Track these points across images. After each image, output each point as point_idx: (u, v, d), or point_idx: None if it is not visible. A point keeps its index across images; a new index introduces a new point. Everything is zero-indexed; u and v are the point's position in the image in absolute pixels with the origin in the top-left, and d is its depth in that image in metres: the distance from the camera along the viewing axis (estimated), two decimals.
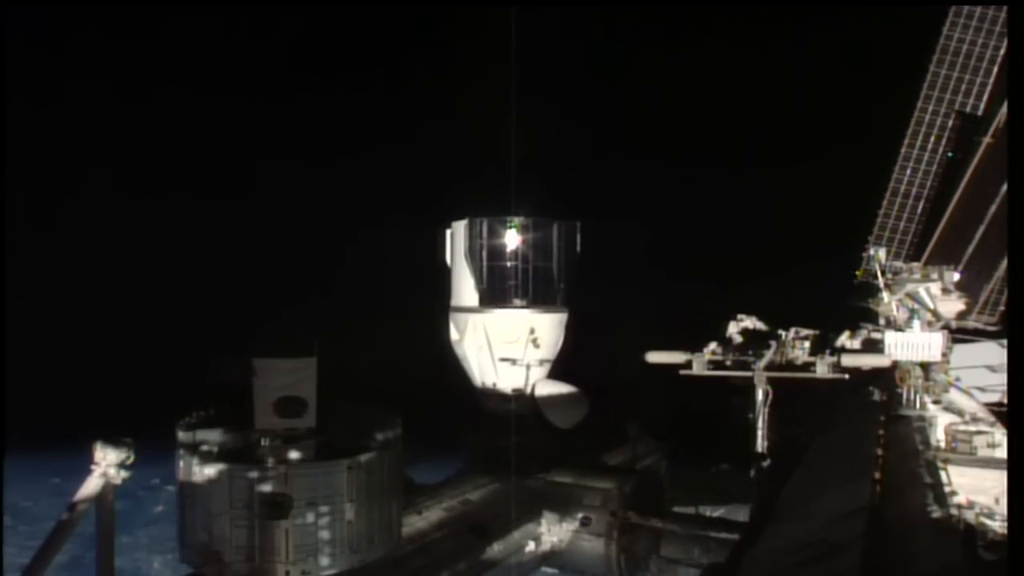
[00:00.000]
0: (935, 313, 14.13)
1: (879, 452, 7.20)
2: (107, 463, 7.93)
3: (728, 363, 12.27)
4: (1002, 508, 5.66)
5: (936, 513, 4.98)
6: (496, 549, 11.19)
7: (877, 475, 6.28)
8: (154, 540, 30.95)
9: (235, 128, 61.97)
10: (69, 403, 37.95)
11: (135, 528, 32.08)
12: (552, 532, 12.27)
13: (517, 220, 13.20)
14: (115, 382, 41.64)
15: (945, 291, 14.57)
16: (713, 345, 12.74)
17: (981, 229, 16.74)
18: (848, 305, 15.94)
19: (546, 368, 13.78)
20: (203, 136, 62.59)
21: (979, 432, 7.46)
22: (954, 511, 5.03)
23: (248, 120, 62.46)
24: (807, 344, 12.54)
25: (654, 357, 12.61)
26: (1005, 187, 15.45)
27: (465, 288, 13.41)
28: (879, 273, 14.45)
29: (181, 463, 8.18)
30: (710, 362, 12.26)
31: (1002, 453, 7.05)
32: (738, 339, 13.25)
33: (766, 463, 11.66)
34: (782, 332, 12.80)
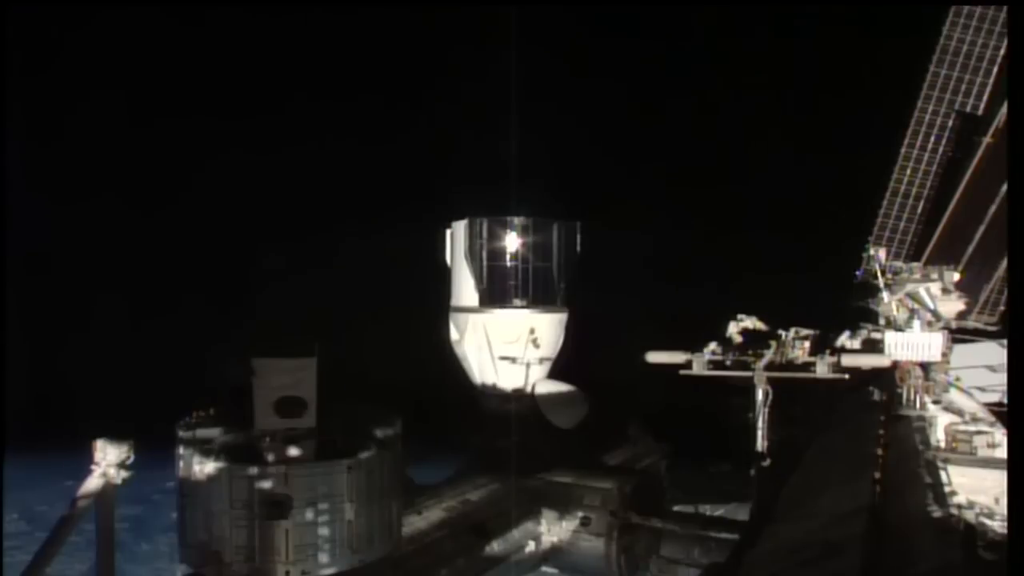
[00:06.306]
0: (935, 313, 14.13)
1: (879, 452, 7.19)
2: (107, 462, 7.96)
3: (728, 363, 12.25)
4: (1002, 508, 5.64)
5: (936, 513, 4.97)
6: (496, 549, 11.20)
7: (877, 475, 6.27)
8: (175, 548, 30.51)
9: (236, 127, 62.02)
10: (81, 406, 37.83)
11: (154, 534, 31.57)
12: (552, 532, 12.27)
13: (517, 220, 13.22)
14: (127, 384, 41.57)
15: (945, 291, 14.56)
16: (713, 345, 12.73)
17: (981, 229, 16.73)
18: (848, 305, 15.93)
19: (546, 368, 13.78)
20: (202, 136, 62.63)
21: (979, 432, 7.44)
22: (954, 511, 5.03)
23: (248, 119, 62.50)
24: (807, 344, 12.53)
25: (654, 357, 12.60)
26: (1005, 187, 15.45)
27: (465, 288, 13.41)
28: (879, 273, 14.44)
29: (181, 462, 8.19)
30: (710, 362, 12.24)
31: (1002, 453, 7.04)
32: (738, 339, 13.25)
33: (766, 463, 11.64)
34: (782, 332, 12.80)
